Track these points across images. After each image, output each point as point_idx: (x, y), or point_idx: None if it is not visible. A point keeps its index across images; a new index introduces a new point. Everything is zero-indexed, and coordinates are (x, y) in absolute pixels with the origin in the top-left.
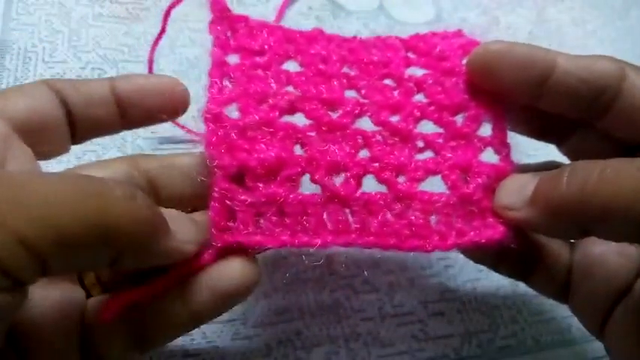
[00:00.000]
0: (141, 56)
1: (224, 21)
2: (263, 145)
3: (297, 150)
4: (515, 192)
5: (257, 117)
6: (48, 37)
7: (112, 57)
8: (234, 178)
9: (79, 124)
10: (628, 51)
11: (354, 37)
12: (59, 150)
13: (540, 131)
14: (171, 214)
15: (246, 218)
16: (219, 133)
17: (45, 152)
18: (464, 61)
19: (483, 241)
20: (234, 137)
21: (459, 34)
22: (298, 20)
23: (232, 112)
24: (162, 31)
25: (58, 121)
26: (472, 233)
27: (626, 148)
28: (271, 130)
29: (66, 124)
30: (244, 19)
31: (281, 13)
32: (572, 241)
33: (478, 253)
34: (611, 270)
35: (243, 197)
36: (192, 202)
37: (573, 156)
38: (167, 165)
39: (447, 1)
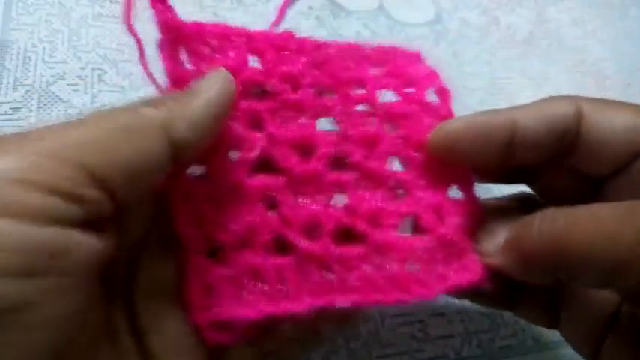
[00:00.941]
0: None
1: (177, 41)
2: (233, 214)
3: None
4: (489, 239)
5: (224, 180)
6: (48, 37)
7: (112, 57)
8: (208, 251)
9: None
10: (628, 51)
11: (326, 44)
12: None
13: (509, 179)
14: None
15: (226, 292)
16: (188, 209)
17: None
18: (430, 99)
19: (465, 283)
20: (204, 210)
21: (417, 57)
22: (298, 20)
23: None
24: (139, 43)
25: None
26: (453, 277)
27: (595, 181)
28: (241, 192)
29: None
30: (199, 31)
31: (281, 13)
32: None
33: (470, 293)
34: (598, 297)
35: (219, 271)
36: None
37: (544, 193)
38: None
39: (447, 1)
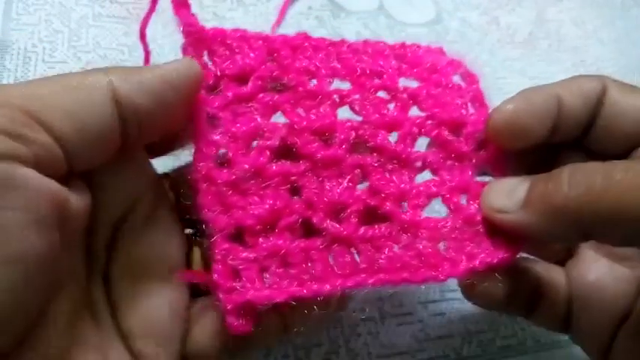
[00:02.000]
0: (141, 56)
1: (199, 44)
2: (257, 198)
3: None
4: (504, 194)
5: (247, 166)
6: (48, 37)
7: (112, 57)
8: (233, 235)
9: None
10: (628, 51)
11: (342, 42)
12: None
13: (526, 169)
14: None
15: (251, 275)
16: (212, 193)
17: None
18: (455, 81)
19: (495, 261)
20: (228, 194)
21: (440, 50)
22: (298, 20)
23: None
24: (147, 53)
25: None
26: (483, 255)
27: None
28: (264, 177)
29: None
30: (221, 35)
31: (282, 13)
32: (568, 273)
33: (484, 299)
34: (608, 297)
35: (245, 255)
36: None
37: None
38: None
39: (447, 1)
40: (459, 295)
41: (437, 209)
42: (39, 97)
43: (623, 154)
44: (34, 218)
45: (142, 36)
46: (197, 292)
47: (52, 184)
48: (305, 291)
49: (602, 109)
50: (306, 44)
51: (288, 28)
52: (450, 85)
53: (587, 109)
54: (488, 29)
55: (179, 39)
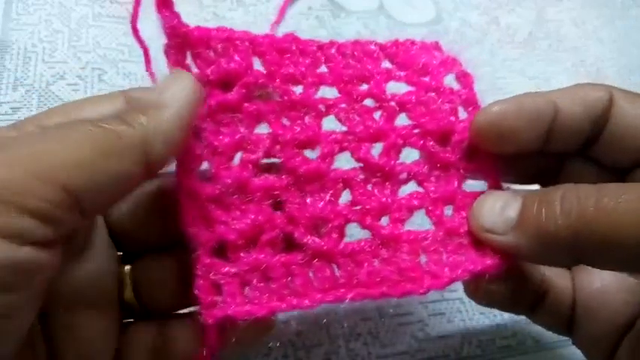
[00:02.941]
0: (141, 56)
1: (182, 46)
2: (239, 213)
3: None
4: (495, 213)
5: (229, 181)
6: (48, 37)
7: (112, 57)
8: (215, 250)
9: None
10: (628, 51)
11: (331, 43)
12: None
13: (529, 177)
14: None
15: (232, 290)
16: (195, 208)
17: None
18: (446, 84)
19: (479, 268)
20: (211, 209)
21: (436, 46)
22: (298, 20)
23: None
24: (145, 50)
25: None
26: (466, 263)
27: (615, 174)
28: (247, 191)
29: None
30: (205, 36)
31: (282, 13)
32: (573, 278)
33: (488, 296)
34: (613, 306)
35: (226, 269)
36: None
37: None
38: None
39: (447, 1)
40: (459, 295)
41: (423, 222)
42: (77, 172)
43: (631, 166)
44: (40, 295)
45: (135, 31)
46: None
47: (57, 260)
48: (284, 306)
49: (609, 121)
50: (294, 47)
51: (288, 29)
52: (442, 89)
53: (589, 118)
54: (488, 29)
55: None
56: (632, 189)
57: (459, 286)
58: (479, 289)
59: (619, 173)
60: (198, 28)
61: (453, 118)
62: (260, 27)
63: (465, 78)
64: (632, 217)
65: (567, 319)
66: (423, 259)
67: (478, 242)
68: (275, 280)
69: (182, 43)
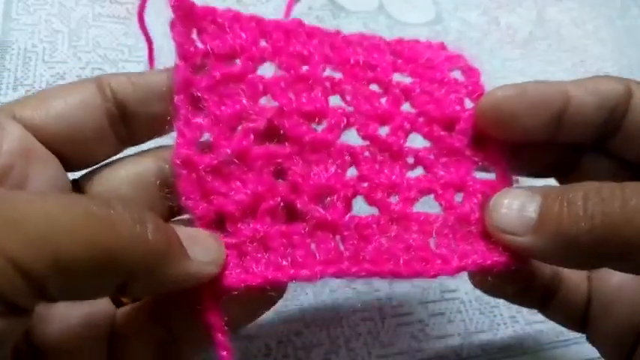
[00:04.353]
0: (141, 56)
1: (188, 20)
2: (239, 183)
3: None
4: (514, 213)
5: (229, 151)
6: (48, 37)
7: (112, 57)
8: (215, 221)
9: (137, 122)
10: (628, 51)
11: (337, 32)
12: (103, 155)
13: (544, 169)
14: (188, 233)
15: (229, 261)
16: (192, 179)
17: (85, 159)
18: (452, 76)
19: (489, 263)
20: (208, 180)
21: (442, 45)
22: None
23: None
24: (149, 42)
25: (98, 127)
26: (475, 256)
27: (634, 169)
28: (247, 161)
29: (113, 126)
30: (211, 13)
31: (287, 14)
32: (589, 273)
33: (496, 288)
34: (631, 304)
35: (225, 241)
36: (163, 121)
37: None
38: (137, 82)
39: (447, 1)
40: (459, 295)
41: (431, 207)
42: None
43: None
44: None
45: (141, 22)
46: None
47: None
48: (281, 275)
49: (627, 114)
50: (300, 30)
51: None
52: (446, 80)
53: (603, 110)
54: (488, 29)
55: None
56: None
57: (459, 286)
58: (485, 282)
59: (638, 168)
60: (204, 6)
61: (458, 107)
62: None
63: (471, 72)
64: None
65: (581, 314)
66: (433, 242)
67: (489, 235)
68: (274, 251)
69: (188, 17)
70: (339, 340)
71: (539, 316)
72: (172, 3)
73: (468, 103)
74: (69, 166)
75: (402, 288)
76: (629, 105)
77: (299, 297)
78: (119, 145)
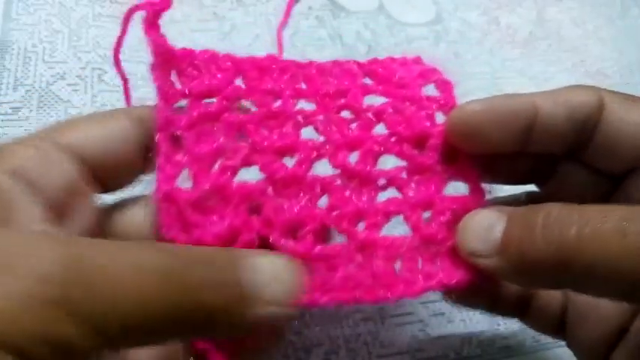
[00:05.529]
0: (141, 56)
1: (167, 64)
2: (216, 217)
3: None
4: (481, 235)
5: (207, 187)
6: (48, 37)
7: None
8: None
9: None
10: (628, 51)
11: (310, 63)
12: (130, 181)
13: (519, 178)
14: (262, 266)
15: None
16: (171, 212)
17: (115, 185)
18: (424, 93)
19: (453, 282)
20: (188, 213)
21: (417, 60)
22: (298, 20)
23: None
24: (123, 33)
25: (133, 156)
26: (441, 275)
27: (610, 178)
28: (224, 196)
29: (143, 154)
30: (189, 55)
31: (287, 14)
32: None
33: (469, 300)
34: (605, 310)
35: None
36: None
37: (557, 194)
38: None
39: (447, 1)
40: None
41: (405, 228)
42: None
43: (625, 172)
44: None
45: (117, 61)
46: None
47: None
48: None
49: (599, 125)
50: (274, 66)
51: (288, 29)
52: (417, 98)
53: (573, 122)
54: (488, 29)
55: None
56: (614, 212)
57: None
58: (454, 297)
59: (614, 178)
60: (182, 49)
61: (428, 124)
62: (260, 27)
63: (444, 85)
64: (614, 246)
65: (558, 321)
66: (398, 265)
67: (455, 252)
68: None
69: (167, 60)
70: (339, 340)
71: None
72: (152, 48)
73: (441, 117)
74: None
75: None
76: (600, 116)
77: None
78: (139, 174)
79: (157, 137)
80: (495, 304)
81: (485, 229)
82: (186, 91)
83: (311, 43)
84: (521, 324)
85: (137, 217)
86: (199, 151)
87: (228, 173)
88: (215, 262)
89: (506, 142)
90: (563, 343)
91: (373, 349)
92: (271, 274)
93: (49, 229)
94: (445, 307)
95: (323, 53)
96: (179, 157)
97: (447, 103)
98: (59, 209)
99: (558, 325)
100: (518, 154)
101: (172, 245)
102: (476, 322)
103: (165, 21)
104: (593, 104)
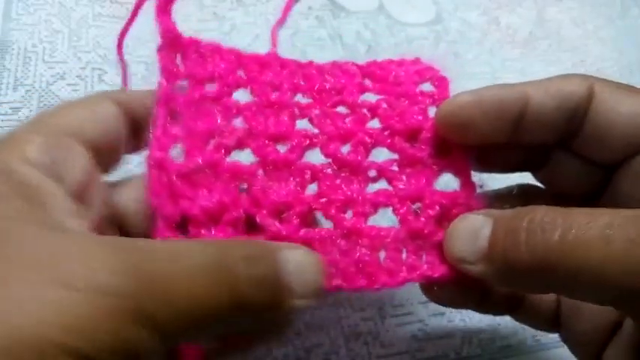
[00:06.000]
0: (141, 56)
1: (174, 47)
2: (206, 191)
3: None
4: (467, 240)
5: (201, 161)
6: (48, 37)
7: (112, 57)
8: (177, 224)
9: (143, 134)
10: (628, 51)
11: (310, 63)
12: (118, 164)
13: (513, 166)
14: (295, 258)
15: None
16: (162, 180)
17: (106, 169)
18: (418, 89)
19: (436, 275)
20: (178, 184)
21: (416, 61)
22: (298, 20)
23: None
24: (131, 19)
25: (122, 138)
26: (425, 267)
27: (604, 168)
28: (216, 172)
29: (126, 138)
30: (195, 43)
31: (285, 14)
32: None
33: (457, 299)
34: (599, 306)
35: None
36: None
37: (551, 182)
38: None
39: (447, 1)
40: None
41: (392, 220)
42: None
43: (615, 163)
44: None
45: (120, 46)
46: None
47: None
48: None
49: (588, 114)
50: (274, 62)
51: (288, 29)
52: (411, 93)
53: (563, 111)
54: (488, 29)
55: None
56: (599, 218)
57: None
58: (437, 294)
59: (607, 167)
60: (190, 37)
61: (420, 117)
62: (260, 27)
63: (439, 81)
64: (598, 253)
65: (552, 315)
66: (382, 255)
67: (441, 246)
68: None
69: (174, 44)
70: (339, 340)
71: None
72: (161, 32)
73: (434, 112)
74: None
75: (402, 288)
76: (590, 106)
77: None
78: (123, 156)
79: (155, 110)
80: (484, 303)
81: (471, 235)
82: (189, 74)
83: (311, 43)
84: (521, 324)
85: (136, 195)
86: (195, 127)
87: (222, 151)
88: (256, 256)
89: (497, 132)
90: (563, 343)
91: (373, 349)
92: (302, 266)
93: (81, 223)
94: (445, 307)
95: (323, 53)
96: (175, 130)
97: (440, 98)
98: (80, 197)
99: (553, 320)
100: (510, 144)
101: (216, 240)
102: (476, 322)
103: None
104: (582, 93)
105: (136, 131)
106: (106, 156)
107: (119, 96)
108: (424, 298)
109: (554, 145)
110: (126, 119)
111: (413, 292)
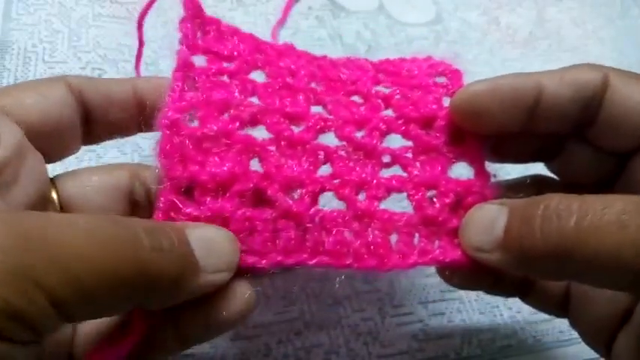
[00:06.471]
0: (145, 57)
1: (196, 21)
2: (217, 159)
3: (255, 165)
4: (483, 230)
5: (215, 128)
6: (48, 37)
7: (112, 57)
8: (184, 190)
9: (97, 124)
10: (628, 51)
11: (324, 56)
12: (70, 151)
13: (527, 156)
14: (204, 238)
15: None
16: (174, 142)
17: (55, 154)
18: (431, 80)
19: (448, 260)
20: (189, 147)
21: (428, 58)
22: (298, 20)
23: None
24: (141, 44)
25: (72, 123)
26: (437, 252)
27: (617, 157)
28: (229, 142)
29: (80, 125)
30: (216, 22)
31: (285, 14)
32: None
33: (471, 281)
34: (610, 292)
35: (188, 210)
36: (120, 128)
37: (564, 173)
38: (101, 90)
39: (447, 1)
40: (459, 295)
41: (405, 205)
42: None
43: (630, 150)
44: None
45: (140, 26)
46: None
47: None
48: (240, 261)
49: (603, 103)
50: (291, 51)
51: (288, 28)
52: (425, 84)
53: (578, 100)
54: (488, 29)
55: (177, 41)
56: (614, 203)
57: None
58: (452, 277)
59: (621, 157)
60: (212, 16)
61: (435, 106)
62: (260, 27)
63: (453, 73)
64: (614, 238)
65: (562, 300)
66: (394, 238)
67: (455, 233)
68: (235, 233)
69: (196, 17)
70: (339, 340)
71: (540, 316)
72: (186, 5)
73: (447, 102)
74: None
75: (402, 288)
76: (605, 95)
77: (298, 297)
78: (81, 144)
79: (173, 75)
80: (497, 285)
81: (487, 224)
82: (208, 49)
83: (311, 43)
84: (521, 324)
85: (87, 188)
86: (212, 96)
87: (237, 123)
88: (163, 232)
89: (512, 121)
90: (563, 343)
91: (373, 349)
92: (211, 242)
93: None
94: (445, 307)
95: (323, 53)
96: (191, 95)
97: (454, 89)
98: (7, 173)
99: (562, 305)
100: (524, 133)
101: (123, 217)
102: (476, 322)
103: (166, 21)
104: (598, 82)
105: (89, 120)
106: (50, 140)
107: (78, 81)
108: (424, 298)
109: (568, 135)
110: (80, 107)
111: (413, 292)
